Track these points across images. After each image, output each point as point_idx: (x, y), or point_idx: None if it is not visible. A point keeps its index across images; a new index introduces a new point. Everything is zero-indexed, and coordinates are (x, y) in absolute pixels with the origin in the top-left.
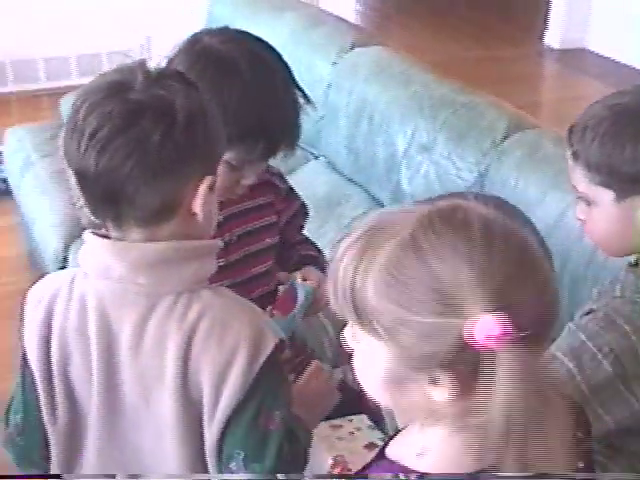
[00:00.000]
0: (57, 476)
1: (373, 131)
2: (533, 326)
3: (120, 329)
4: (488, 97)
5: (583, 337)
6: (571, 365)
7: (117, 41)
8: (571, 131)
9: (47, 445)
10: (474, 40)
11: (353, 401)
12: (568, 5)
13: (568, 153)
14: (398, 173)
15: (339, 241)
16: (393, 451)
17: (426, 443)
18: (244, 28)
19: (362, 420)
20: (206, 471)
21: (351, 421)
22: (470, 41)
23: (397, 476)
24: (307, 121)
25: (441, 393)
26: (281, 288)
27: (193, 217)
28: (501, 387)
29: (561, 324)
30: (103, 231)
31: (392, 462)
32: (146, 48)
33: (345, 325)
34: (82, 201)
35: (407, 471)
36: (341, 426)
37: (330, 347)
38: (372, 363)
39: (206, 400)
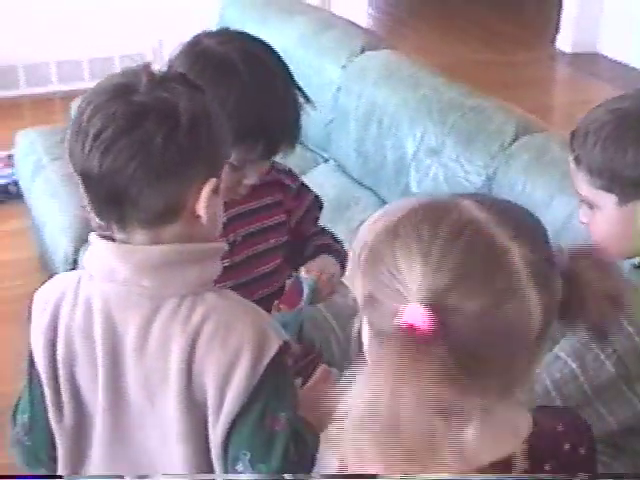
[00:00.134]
0: (59, 477)
1: (382, 134)
2: (469, 337)
3: (125, 331)
4: (496, 101)
5: (586, 337)
6: (574, 365)
7: (129, 44)
8: (573, 136)
9: (54, 445)
10: (485, 44)
11: None
12: (580, 9)
13: (570, 157)
14: (407, 176)
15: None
16: None
17: None
18: (254, 31)
19: None
20: (212, 472)
21: None
22: (481, 45)
23: None
24: (317, 124)
25: None
26: (287, 282)
27: (197, 220)
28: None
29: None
30: (109, 233)
31: None
32: (158, 51)
33: (349, 321)
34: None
35: None
36: None
37: (337, 345)
38: None
39: (210, 402)
